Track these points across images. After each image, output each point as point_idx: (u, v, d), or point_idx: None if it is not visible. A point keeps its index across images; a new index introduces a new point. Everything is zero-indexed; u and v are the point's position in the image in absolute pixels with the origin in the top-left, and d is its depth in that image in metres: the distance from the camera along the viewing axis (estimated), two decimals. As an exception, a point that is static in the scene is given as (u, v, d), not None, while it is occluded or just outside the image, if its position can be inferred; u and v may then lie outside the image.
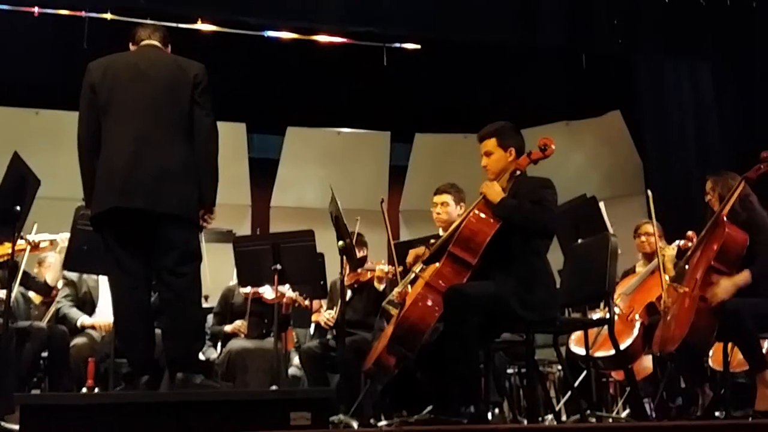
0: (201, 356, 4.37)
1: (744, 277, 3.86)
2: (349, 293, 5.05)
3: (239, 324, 5.09)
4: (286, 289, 4.98)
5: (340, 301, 4.60)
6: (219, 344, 5.29)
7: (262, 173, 8.34)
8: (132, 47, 3.53)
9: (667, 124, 7.25)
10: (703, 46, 7.02)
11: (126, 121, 3.28)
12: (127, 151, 3.24)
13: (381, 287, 4.71)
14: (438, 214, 4.40)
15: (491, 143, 3.54)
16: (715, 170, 4.34)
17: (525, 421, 4.20)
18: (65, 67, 6.41)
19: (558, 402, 5.20)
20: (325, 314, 5.07)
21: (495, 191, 3.42)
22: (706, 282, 3.93)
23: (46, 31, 6.68)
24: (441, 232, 4.22)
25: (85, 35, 6.45)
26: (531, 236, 3.42)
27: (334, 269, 4.73)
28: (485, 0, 6.68)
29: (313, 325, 5.59)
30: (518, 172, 3.55)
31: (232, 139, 7.60)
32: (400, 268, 4.31)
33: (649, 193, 4.81)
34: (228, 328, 5.11)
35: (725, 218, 4.00)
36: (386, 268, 4.72)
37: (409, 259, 3.73)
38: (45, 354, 4.43)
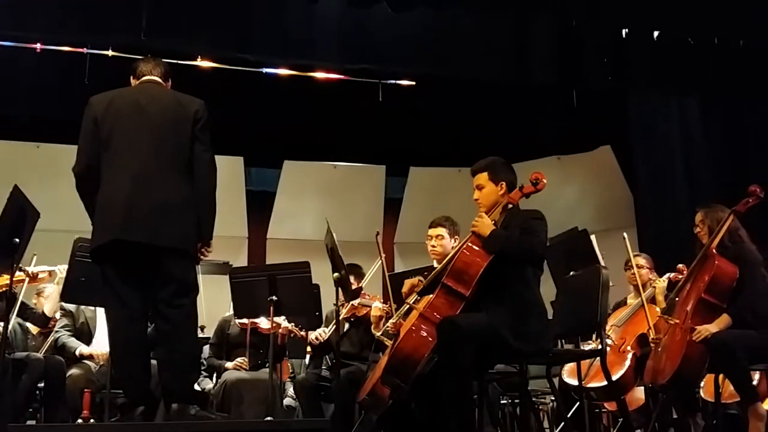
0: (196, 387, 4.37)
1: (725, 321, 3.91)
2: (346, 326, 5.08)
3: (241, 361, 5.08)
4: (282, 320, 5.00)
5: (334, 325, 4.62)
6: (214, 375, 5.29)
7: (259, 206, 8.41)
8: (133, 81, 3.61)
9: (657, 159, 7.34)
10: (691, 82, 7.15)
11: (126, 156, 3.34)
12: (127, 185, 3.30)
13: (378, 333, 4.73)
14: (433, 246, 4.44)
15: (483, 177, 3.63)
16: (704, 203, 4.41)
17: (519, 453, 4.21)
18: (66, 102, 6.49)
19: (551, 433, 5.21)
20: (318, 330, 5.08)
21: (485, 225, 3.48)
22: (696, 314, 3.99)
23: (48, 66, 6.77)
24: (436, 265, 4.27)
25: (86, 71, 6.55)
26: (521, 263, 3.47)
27: (329, 301, 4.77)
28: (478, 38, 6.80)
29: (308, 356, 5.60)
30: (510, 206, 3.61)
31: (229, 173, 7.68)
32: (395, 306, 4.35)
33: (625, 234, 4.87)
34: (229, 365, 5.10)
35: (714, 251, 4.07)
36: (381, 305, 4.75)
37: (405, 288, 3.76)
38: (41, 384, 4.43)
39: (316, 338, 5.08)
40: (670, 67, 7.05)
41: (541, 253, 3.49)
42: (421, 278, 3.74)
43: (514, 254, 3.42)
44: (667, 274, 4.87)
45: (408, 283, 3.76)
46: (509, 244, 3.42)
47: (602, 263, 4.51)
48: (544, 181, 3.56)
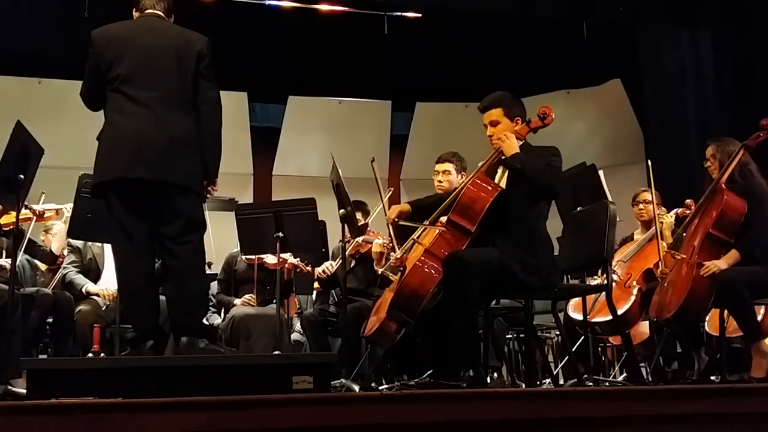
0: (204, 322, 4.42)
1: (733, 257, 3.89)
2: (351, 263, 5.10)
3: (249, 298, 5.12)
4: (288, 257, 5.02)
5: (340, 261, 4.65)
6: (222, 310, 5.35)
7: (264, 142, 8.38)
8: (135, 14, 3.52)
9: (667, 93, 7.24)
10: (703, 14, 6.98)
11: (130, 92, 3.29)
12: (132, 122, 3.26)
13: (380, 270, 4.73)
14: (440, 182, 4.42)
15: (497, 113, 3.53)
16: (715, 137, 4.35)
17: (523, 385, 4.27)
18: (67, 36, 6.41)
19: (556, 366, 5.28)
20: (325, 264, 5.10)
21: (512, 145, 3.43)
22: (703, 249, 3.98)
23: (48, 0, 6.65)
24: (442, 200, 4.24)
25: (86, 4, 6.43)
26: (535, 196, 3.43)
27: (335, 237, 4.78)
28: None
29: (315, 292, 5.65)
30: (520, 142, 3.56)
31: (234, 109, 7.60)
32: (398, 242, 4.33)
33: (649, 162, 4.83)
34: (238, 301, 5.15)
35: (724, 186, 4.03)
36: (382, 242, 4.75)
37: (393, 214, 3.64)
38: (51, 320, 4.48)
39: (323, 272, 5.11)
40: (682, -2, 6.87)
41: (558, 190, 3.48)
42: (409, 203, 3.71)
43: (532, 181, 3.38)
44: (675, 209, 4.85)
45: (396, 209, 3.67)
46: (530, 168, 3.37)
47: (610, 198, 4.48)
48: (552, 115, 3.51)
